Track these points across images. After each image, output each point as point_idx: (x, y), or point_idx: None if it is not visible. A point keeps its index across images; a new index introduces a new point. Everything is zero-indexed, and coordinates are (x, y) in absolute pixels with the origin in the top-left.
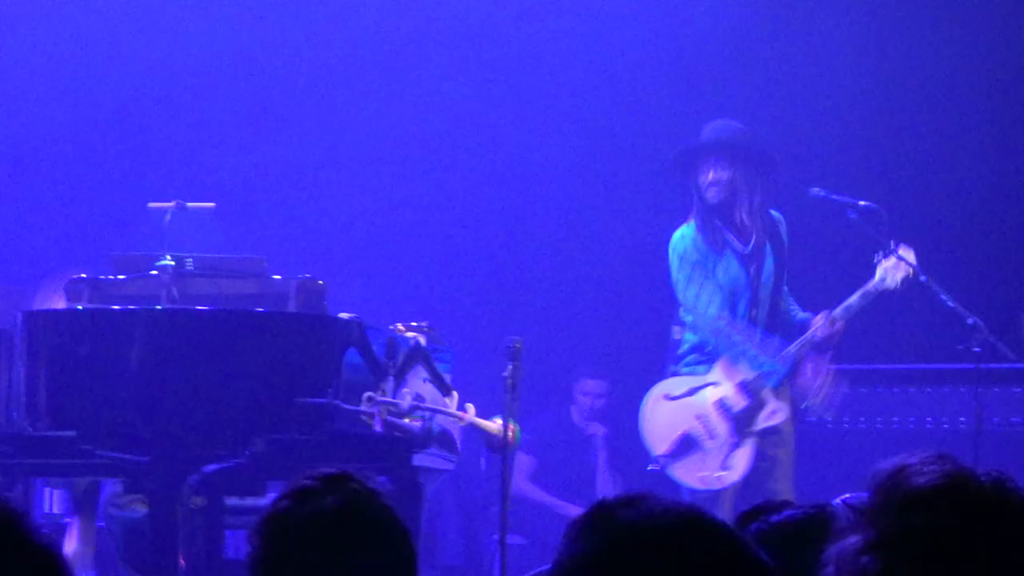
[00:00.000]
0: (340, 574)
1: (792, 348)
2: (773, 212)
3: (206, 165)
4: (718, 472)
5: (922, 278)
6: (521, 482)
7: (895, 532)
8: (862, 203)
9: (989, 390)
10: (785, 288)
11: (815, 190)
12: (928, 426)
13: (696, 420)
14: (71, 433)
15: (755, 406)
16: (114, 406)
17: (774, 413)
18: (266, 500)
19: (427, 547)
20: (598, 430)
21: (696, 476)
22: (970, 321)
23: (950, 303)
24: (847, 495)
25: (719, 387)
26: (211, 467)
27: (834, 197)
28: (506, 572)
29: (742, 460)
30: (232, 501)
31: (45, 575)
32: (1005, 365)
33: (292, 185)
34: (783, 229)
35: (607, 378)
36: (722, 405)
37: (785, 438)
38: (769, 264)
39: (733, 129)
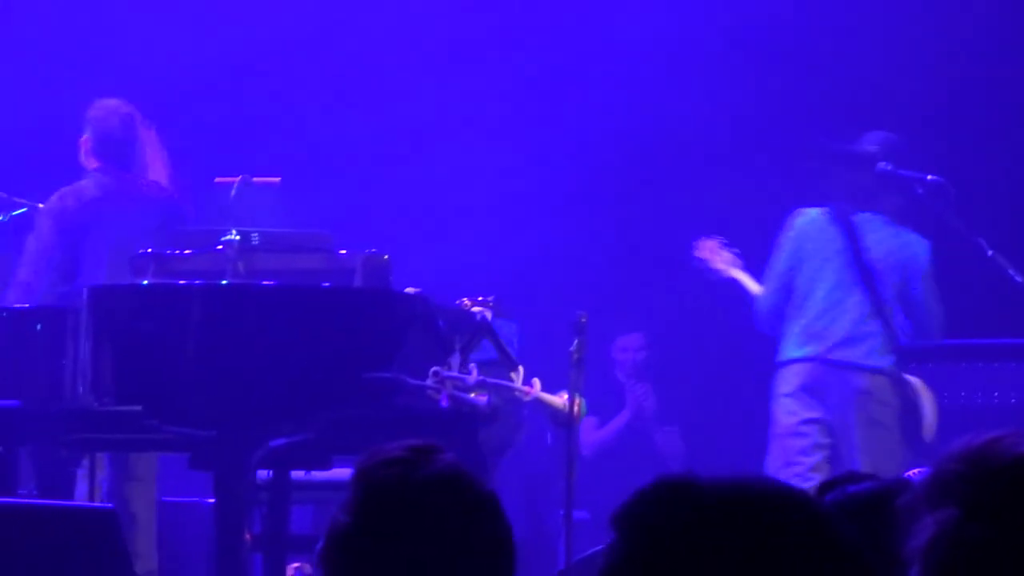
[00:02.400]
0: (432, 544)
1: None
2: None
3: (272, 140)
4: None
5: (989, 253)
6: (588, 437)
7: (1007, 499)
8: (929, 178)
9: None
10: None
11: (882, 165)
12: (995, 401)
13: None
14: (136, 408)
15: None
16: (179, 382)
17: None
18: (332, 475)
19: None
20: (637, 389)
21: None
22: None
23: (1017, 277)
24: (918, 469)
25: None
26: (277, 442)
27: (901, 172)
28: (571, 548)
29: None
30: (297, 476)
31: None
32: None
33: (358, 159)
34: None
35: (642, 331)
36: None
37: None
38: None
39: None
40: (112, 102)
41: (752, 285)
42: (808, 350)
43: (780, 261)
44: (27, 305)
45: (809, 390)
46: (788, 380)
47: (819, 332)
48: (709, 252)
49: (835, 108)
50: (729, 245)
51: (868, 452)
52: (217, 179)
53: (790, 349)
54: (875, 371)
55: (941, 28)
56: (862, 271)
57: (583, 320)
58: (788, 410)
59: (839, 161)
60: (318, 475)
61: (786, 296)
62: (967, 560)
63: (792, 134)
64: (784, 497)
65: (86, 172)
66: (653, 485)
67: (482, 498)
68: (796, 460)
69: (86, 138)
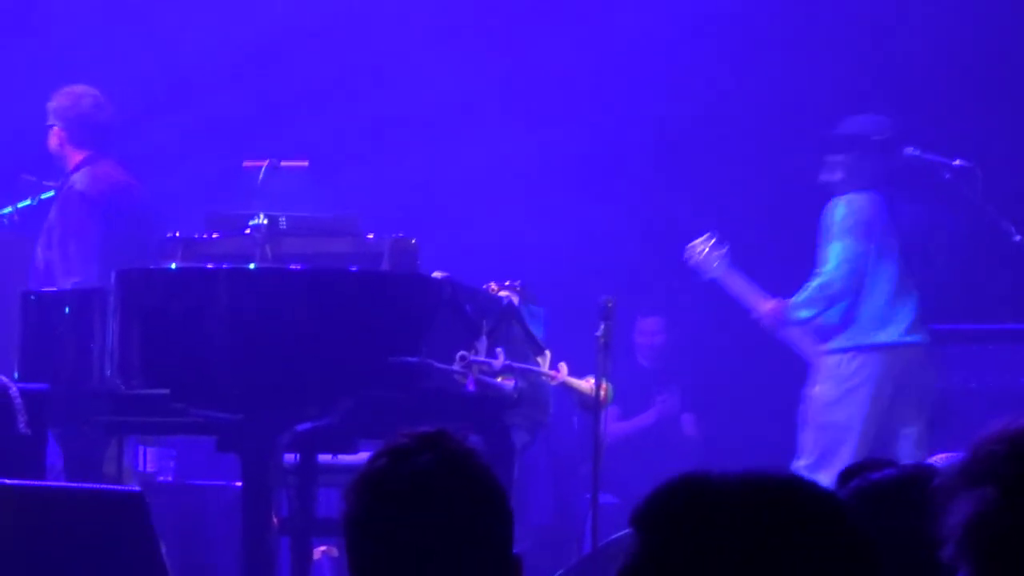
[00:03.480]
0: (437, 533)
1: None
2: None
3: (300, 123)
4: None
5: (1016, 238)
6: (611, 428)
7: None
8: (956, 163)
9: None
10: None
11: (909, 150)
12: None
13: None
14: (164, 391)
15: None
16: (206, 365)
17: None
18: (358, 458)
19: (518, 507)
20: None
21: None
22: None
23: None
24: (943, 454)
25: None
26: (303, 425)
27: (928, 157)
28: (597, 531)
29: None
30: (324, 459)
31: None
32: None
33: (387, 142)
34: None
35: (661, 315)
36: None
37: None
38: None
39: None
40: (80, 87)
41: (739, 285)
42: (885, 335)
43: (850, 246)
44: (55, 289)
45: (887, 375)
46: (867, 366)
47: (892, 316)
48: (698, 254)
49: (869, 92)
50: (720, 242)
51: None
52: (245, 163)
53: (860, 335)
54: (921, 345)
55: (976, 9)
56: (903, 253)
57: (610, 305)
58: (865, 396)
59: (870, 147)
60: (345, 459)
61: (860, 280)
62: (1005, 539)
63: (825, 119)
64: (800, 492)
65: (65, 160)
66: (669, 483)
67: (476, 487)
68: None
69: (58, 129)
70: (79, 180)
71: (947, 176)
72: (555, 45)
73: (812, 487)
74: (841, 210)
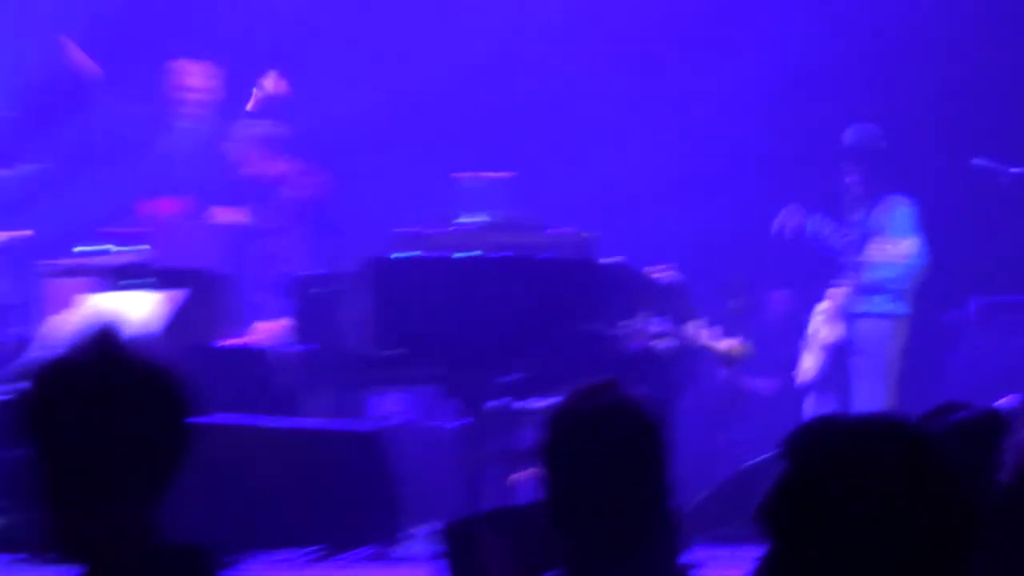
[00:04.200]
0: (611, 460)
1: None
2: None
3: (500, 140)
4: None
5: None
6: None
7: None
8: (1013, 170)
9: None
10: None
11: (978, 160)
12: None
13: None
14: (398, 352)
15: None
16: (434, 332)
17: None
18: (549, 402)
19: (673, 440)
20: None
21: None
22: None
23: None
24: (1007, 398)
25: None
26: (507, 378)
27: (992, 165)
28: (735, 462)
29: None
30: (519, 404)
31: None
32: None
33: (570, 153)
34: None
35: (791, 287)
36: None
37: None
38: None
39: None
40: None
41: (827, 236)
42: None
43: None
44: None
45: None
46: (903, 332)
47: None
48: (787, 221)
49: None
50: (797, 210)
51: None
52: (458, 174)
53: (907, 305)
54: None
55: None
56: None
57: (744, 281)
58: (897, 357)
59: (886, 154)
60: (537, 403)
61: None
62: None
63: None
64: (908, 430)
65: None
66: (809, 423)
67: (650, 425)
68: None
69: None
70: (302, 187)
71: (1004, 182)
72: (701, 58)
73: (917, 428)
74: (909, 208)
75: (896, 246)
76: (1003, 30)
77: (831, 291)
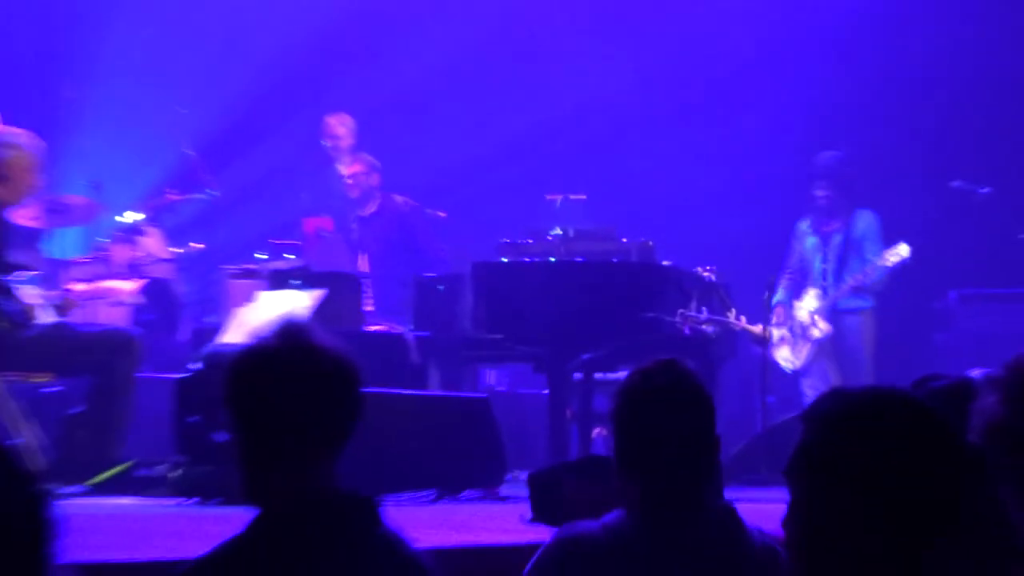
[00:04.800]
0: (670, 422)
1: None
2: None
3: (582, 168)
4: None
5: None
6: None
7: (1020, 388)
8: (985, 190)
9: None
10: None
11: (956, 182)
12: None
13: None
14: (500, 336)
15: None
16: (526, 319)
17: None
18: (620, 375)
19: (716, 404)
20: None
21: None
22: None
23: None
24: (980, 370)
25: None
26: (586, 356)
27: (968, 187)
28: (765, 422)
29: None
30: (599, 376)
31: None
32: None
33: (634, 179)
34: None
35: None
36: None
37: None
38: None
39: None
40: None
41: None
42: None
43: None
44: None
45: None
46: (876, 321)
47: None
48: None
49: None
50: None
51: None
52: (547, 196)
53: (876, 299)
54: None
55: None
56: None
57: (772, 279)
58: (874, 341)
59: (852, 175)
60: (610, 375)
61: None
62: (991, 432)
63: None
64: (910, 400)
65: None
66: (823, 395)
67: (700, 392)
68: None
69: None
70: (404, 203)
71: (976, 200)
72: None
73: (913, 396)
74: (876, 220)
75: (895, 251)
76: (980, 78)
77: (813, 290)
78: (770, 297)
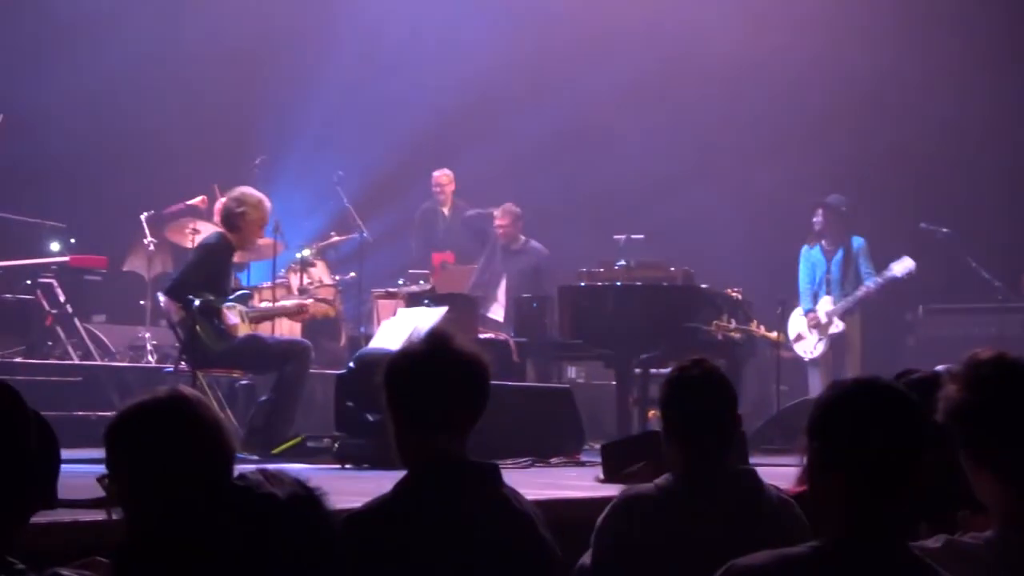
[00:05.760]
0: (699, 405)
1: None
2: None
3: (641, 215)
4: None
5: (986, 275)
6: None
7: (972, 379)
8: (944, 230)
9: None
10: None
11: (922, 225)
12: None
13: None
14: (579, 341)
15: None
16: (599, 328)
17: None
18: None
19: (739, 393)
20: None
21: None
22: None
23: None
24: (943, 366)
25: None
26: (644, 356)
27: (931, 228)
28: (779, 406)
29: None
30: (654, 371)
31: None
32: None
33: (679, 223)
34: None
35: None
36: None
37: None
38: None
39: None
40: None
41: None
42: None
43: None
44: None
45: None
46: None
47: None
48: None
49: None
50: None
51: None
52: (615, 236)
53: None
54: None
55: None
56: None
57: (783, 298)
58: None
59: (843, 213)
60: (662, 370)
61: None
62: (951, 413)
63: None
64: (896, 388)
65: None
66: (831, 384)
67: (721, 384)
68: None
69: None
70: (541, 248)
71: (938, 237)
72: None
73: (899, 387)
74: (865, 243)
75: (902, 264)
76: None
77: (826, 297)
78: (783, 312)
